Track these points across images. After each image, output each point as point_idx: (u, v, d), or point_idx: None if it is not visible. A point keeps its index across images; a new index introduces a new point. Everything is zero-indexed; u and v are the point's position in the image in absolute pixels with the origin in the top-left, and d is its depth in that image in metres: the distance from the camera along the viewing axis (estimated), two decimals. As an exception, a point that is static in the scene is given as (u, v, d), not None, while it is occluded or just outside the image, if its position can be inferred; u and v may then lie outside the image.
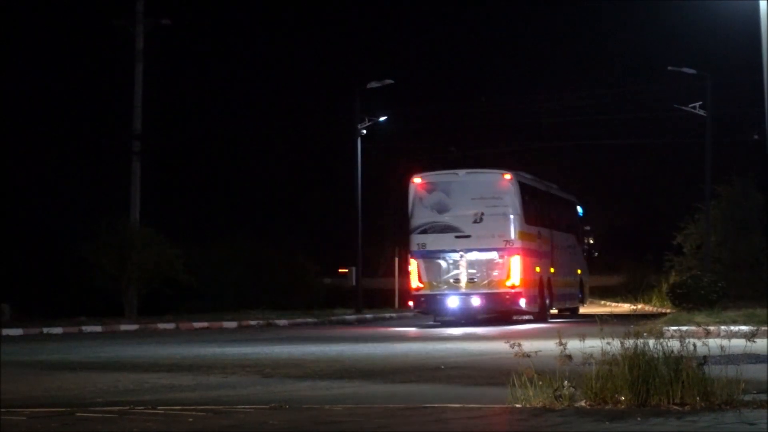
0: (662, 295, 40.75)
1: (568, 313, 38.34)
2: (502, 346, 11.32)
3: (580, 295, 40.70)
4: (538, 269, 32.15)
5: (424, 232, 30.85)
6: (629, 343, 9.92)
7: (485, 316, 31.45)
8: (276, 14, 69.55)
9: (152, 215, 40.24)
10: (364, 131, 42.13)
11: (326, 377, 14.27)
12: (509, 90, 66.08)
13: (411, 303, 31.98)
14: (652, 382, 9.66)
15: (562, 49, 72.93)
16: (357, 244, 42.21)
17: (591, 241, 45.13)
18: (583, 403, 9.74)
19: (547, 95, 62.61)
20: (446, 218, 30.54)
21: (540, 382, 9.76)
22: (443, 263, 30.28)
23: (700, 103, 41.86)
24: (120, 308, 36.46)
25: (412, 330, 29.62)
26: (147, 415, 9.87)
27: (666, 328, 16.77)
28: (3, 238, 41.55)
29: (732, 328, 21.74)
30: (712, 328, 23.23)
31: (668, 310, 36.97)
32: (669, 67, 42.89)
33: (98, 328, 30.44)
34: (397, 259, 45.86)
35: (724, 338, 10.78)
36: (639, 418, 8.93)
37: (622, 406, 9.56)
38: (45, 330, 29.40)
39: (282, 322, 33.76)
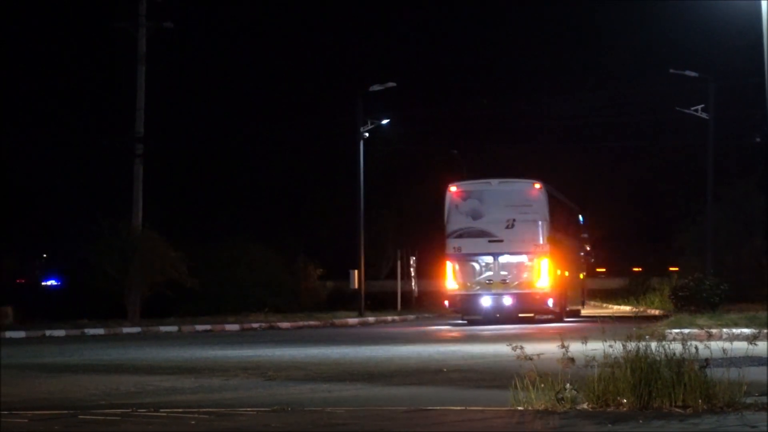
0: (664, 298, 40.76)
1: (572, 314, 38.71)
2: (504, 349, 11.32)
3: (581, 298, 41.79)
4: (559, 272, 34.05)
5: (460, 236, 32.94)
6: (631, 345, 9.92)
7: (515, 315, 33.16)
8: (279, 17, 69.66)
9: (155, 218, 40.26)
10: (367, 134, 42.13)
11: (328, 380, 14.27)
12: (511, 93, 66.06)
13: (446, 302, 34.26)
14: (654, 384, 9.66)
15: (565, 53, 72.90)
16: (359, 246, 42.20)
17: (588, 248, 45.85)
18: (585, 406, 9.74)
19: (549, 98, 62.70)
20: (480, 224, 32.66)
21: (542, 385, 9.76)
22: (477, 265, 32.47)
23: (703, 105, 41.82)
24: (122, 311, 36.47)
25: (445, 328, 31.74)
26: (149, 417, 9.88)
27: (668, 330, 16.77)
28: (4, 239, 41.59)
29: (734, 330, 21.71)
30: (714, 330, 23.22)
31: (657, 312, 37.08)
32: (671, 70, 42.89)
33: (101, 331, 30.46)
34: (399, 262, 45.86)
35: (726, 341, 10.78)
36: (641, 421, 8.93)
37: (624, 409, 9.56)
38: (47, 332, 29.42)
39: (284, 324, 33.75)
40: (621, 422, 8.91)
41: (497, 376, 13.06)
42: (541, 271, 32.13)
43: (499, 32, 72.98)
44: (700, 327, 23.80)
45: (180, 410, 10.38)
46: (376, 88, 41.73)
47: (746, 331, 20.60)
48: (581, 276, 41.61)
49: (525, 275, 32.30)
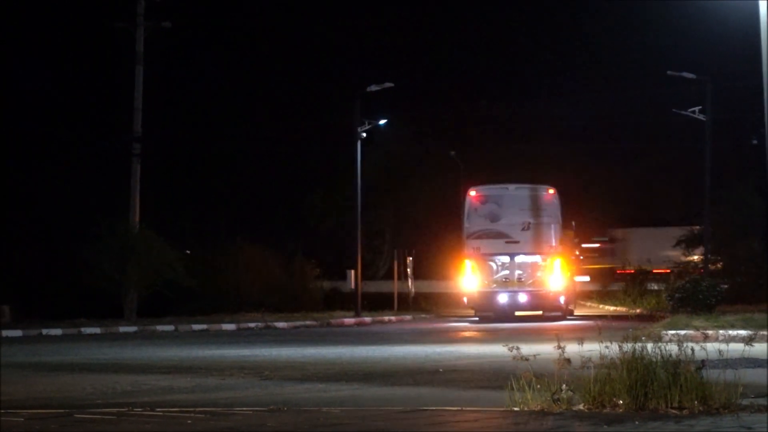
0: (661, 299, 40.75)
1: (568, 312, 39.21)
2: (500, 349, 11.34)
3: (575, 298, 42.95)
4: (568, 272, 36.55)
5: (479, 237, 35.03)
6: (627, 346, 9.93)
7: (529, 311, 35.14)
8: (277, 17, 69.60)
9: (152, 217, 40.19)
10: (364, 134, 42.10)
11: (324, 379, 14.28)
12: (509, 94, 66.05)
13: (465, 299, 35.99)
14: (650, 385, 9.67)
15: (562, 54, 72.88)
16: (356, 246, 42.17)
17: (577, 252, 46.65)
18: (581, 407, 9.75)
19: (546, 100, 62.74)
20: (498, 226, 35.01)
21: (538, 386, 9.77)
22: (494, 265, 34.49)
23: (700, 107, 41.83)
24: (119, 310, 36.42)
25: (462, 325, 33.57)
26: (145, 416, 9.88)
27: (664, 332, 16.78)
28: (3, 239, 41.53)
29: (730, 332, 21.71)
30: (710, 332, 23.21)
31: (643, 311, 37.23)
32: (668, 72, 42.89)
33: (97, 330, 30.44)
34: (396, 262, 45.81)
35: (723, 342, 10.79)
36: (637, 422, 8.93)
37: (621, 410, 9.56)
38: (44, 331, 29.40)
39: (281, 324, 33.73)
40: (617, 423, 8.92)
41: (494, 376, 13.08)
42: (554, 270, 34.38)
43: (497, 33, 72.93)
44: (697, 328, 23.82)
45: (176, 409, 10.39)
46: (373, 88, 41.70)
47: (742, 332, 20.61)
48: (574, 277, 42.36)
49: (539, 274, 34.37)
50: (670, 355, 9.84)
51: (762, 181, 39.97)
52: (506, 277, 34.42)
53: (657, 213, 62.45)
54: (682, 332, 19.14)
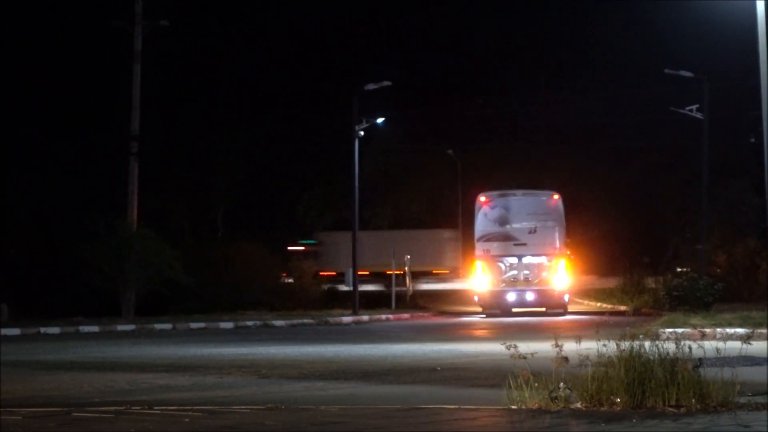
0: (658, 297, 40.79)
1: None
2: (498, 348, 11.34)
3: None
4: (571, 272, 38.85)
5: (488, 240, 37.37)
6: (625, 345, 9.93)
7: (535, 308, 37.34)
8: (275, 15, 69.58)
9: (150, 216, 40.18)
10: (362, 132, 42.09)
11: (322, 378, 14.28)
12: (506, 92, 65.95)
13: (475, 298, 38.36)
14: (647, 384, 9.68)
15: (560, 53, 72.84)
16: (354, 244, 42.17)
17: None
18: (578, 405, 9.75)
19: (544, 98, 62.72)
20: (506, 229, 37.31)
21: (536, 384, 9.77)
22: (503, 266, 36.76)
23: (697, 106, 41.84)
24: (117, 308, 36.40)
25: (474, 320, 36.01)
26: (143, 415, 9.88)
27: (662, 330, 16.79)
28: (1, 238, 41.49)
29: (728, 330, 21.76)
30: (707, 330, 23.24)
31: (624, 309, 37.43)
32: (666, 70, 42.91)
33: (95, 329, 30.42)
34: (393, 261, 45.78)
35: (720, 341, 10.80)
36: (634, 420, 8.94)
37: (618, 408, 9.57)
38: (42, 330, 29.38)
39: (278, 322, 33.73)
40: (614, 421, 8.93)
41: (491, 375, 13.09)
42: (559, 270, 36.76)
43: (495, 32, 72.90)
44: (694, 327, 23.83)
45: (174, 408, 10.39)
46: (371, 86, 41.71)
47: (740, 330, 20.65)
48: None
49: (544, 274, 36.67)
50: (668, 354, 9.84)
51: (759, 180, 40.05)
52: (514, 277, 36.72)
53: (654, 211, 62.43)
54: (680, 330, 19.14)
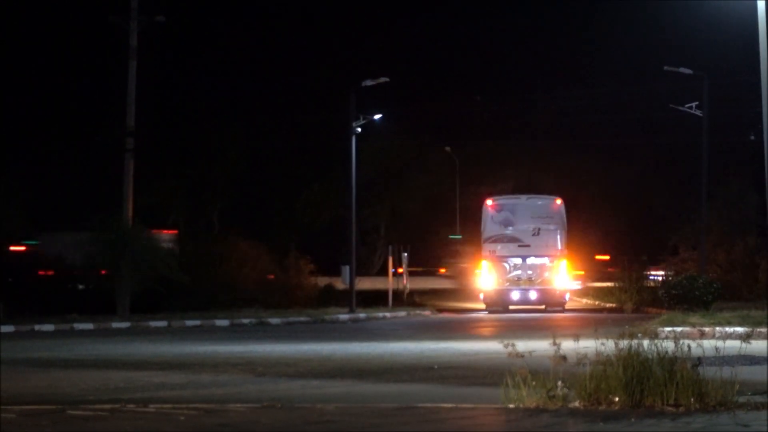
0: (657, 296, 40.79)
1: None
2: (495, 346, 11.28)
3: None
4: (570, 272, 41.28)
5: (494, 241, 39.33)
6: (623, 343, 9.87)
7: (537, 306, 39.14)
8: (271, 12, 69.55)
9: (145, 212, 40.10)
10: (359, 129, 42.03)
11: (318, 376, 14.22)
12: (505, 89, 65.99)
13: (481, 296, 39.89)
14: (646, 383, 9.62)
15: (559, 50, 72.93)
16: (351, 242, 42.13)
17: None
18: (576, 404, 9.69)
19: (543, 95, 62.74)
20: (511, 231, 39.24)
21: (534, 383, 9.71)
22: (507, 266, 38.66)
23: (697, 103, 41.78)
24: (112, 306, 36.31)
25: (480, 315, 37.57)
26: (138, 413, 9.82)
27: (660, 329, 16.75)
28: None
29: (727, 329, 21.73)
30: (706, 329, 23.23)
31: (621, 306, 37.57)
32: (665, 67, 42.85)
33: (90, 326, 30.33)
34: (390, 259, 45.75)
35: (719, 339, 10.74)
36: (633, 419, 8.89)
37: (616, 407, 9.51)
38: (37, 327, 29.30)
39: (274, 320, 33.68)
40: (612, 420, 8.87)
41: (489, 373, 13.02)
42: (560, 270, 38.74)
43: (493, 29, 72.92)
44: (693, 325, 23.83)
45: (169, 406, 10.32)
46: (368, 83, 41.64)
47: (739, 329, 20.59)
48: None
49: (546, 274, 38.61)
50: (666, 353, 9.79)
51: (759, 177, 39.99)
52: (518, 277, 38.63)
53: (652, 209, 62.45)
54: (679, 329, 19.12)
